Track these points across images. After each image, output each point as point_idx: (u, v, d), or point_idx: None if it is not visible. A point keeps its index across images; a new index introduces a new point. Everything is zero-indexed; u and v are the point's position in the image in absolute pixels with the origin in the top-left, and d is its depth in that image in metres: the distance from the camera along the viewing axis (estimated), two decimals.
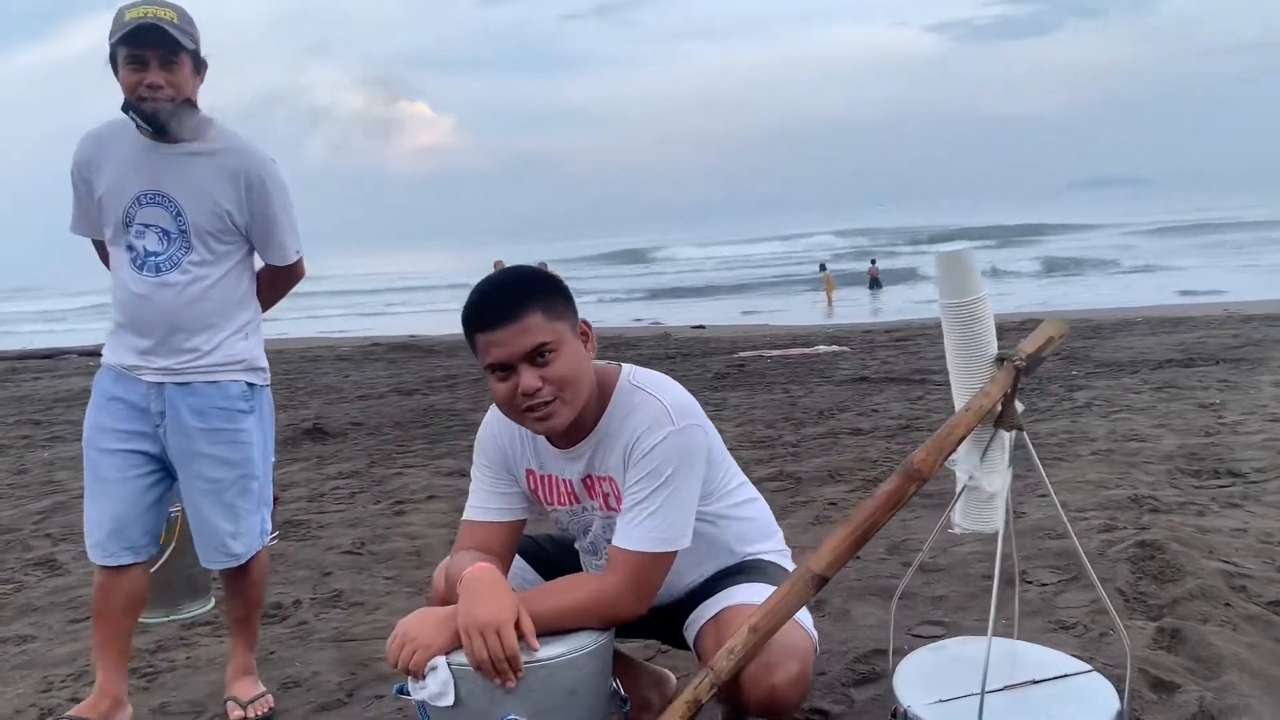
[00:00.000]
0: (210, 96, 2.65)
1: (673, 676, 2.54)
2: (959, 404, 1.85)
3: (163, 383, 2.63)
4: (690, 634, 2.08)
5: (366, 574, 4.08)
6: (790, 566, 2.21)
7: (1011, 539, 1.82)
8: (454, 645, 1.85)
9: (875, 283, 28.89)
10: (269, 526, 2.87)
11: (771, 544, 2.24)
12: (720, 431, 2.13)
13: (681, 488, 1.93)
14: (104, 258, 2.78)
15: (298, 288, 2.95)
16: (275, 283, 2.85)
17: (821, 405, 7.59)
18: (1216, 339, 10.45)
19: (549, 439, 2.06)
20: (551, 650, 1.87)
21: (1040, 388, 7.54)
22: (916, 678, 1.96)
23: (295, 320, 29.71)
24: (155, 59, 2.48)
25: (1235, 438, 5.22)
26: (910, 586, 2.86)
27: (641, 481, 1.93)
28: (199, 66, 2.59)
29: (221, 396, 2.66)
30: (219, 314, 2.66)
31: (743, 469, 2.26)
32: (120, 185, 2.61)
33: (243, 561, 2.77)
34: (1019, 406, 1.80)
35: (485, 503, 2.13)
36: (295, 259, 2.78)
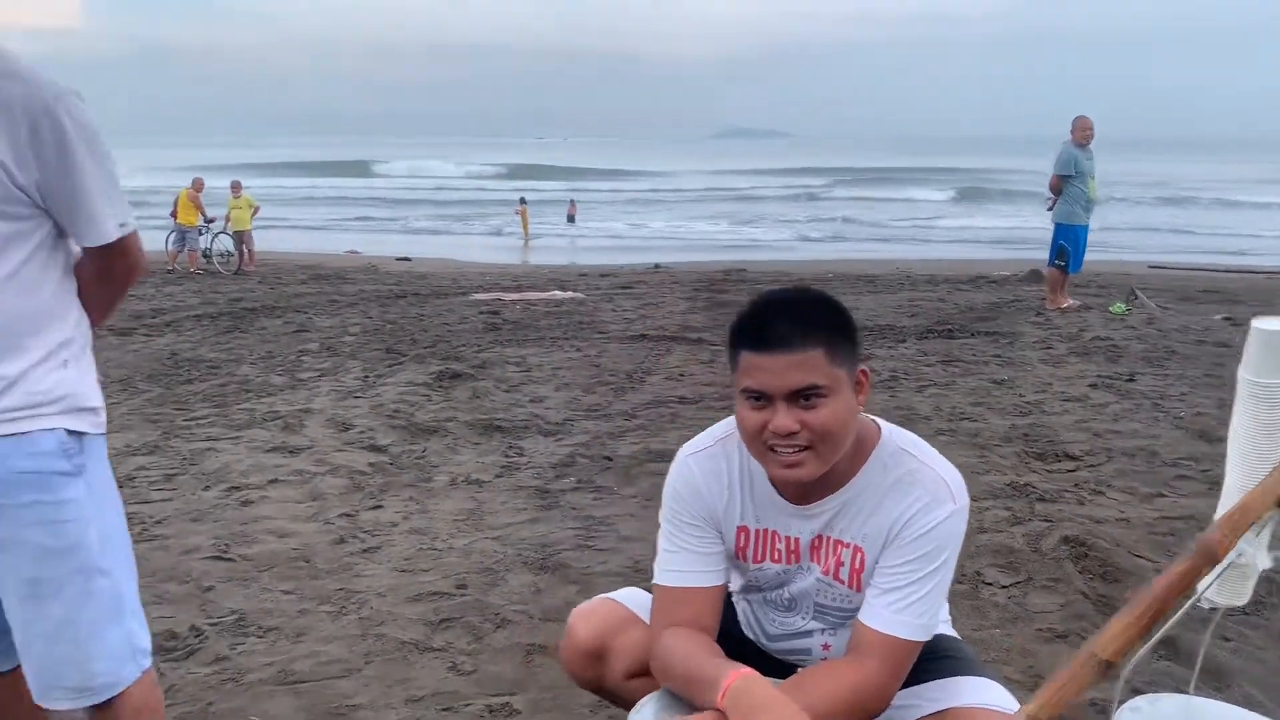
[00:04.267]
0: None
1: None
2: (1237, 477, 1.78)
3: None
4: None
5: (257, 587, 3.50)
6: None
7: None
8: None
9: (571, 219, 31.72)
10: (145, 644, 1.93)
11: (945, 610, 2.10)
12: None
13: (950, 571, 1.78)
14: None
15: None
16: (100, 277, 1.90)
17: (623, 367, 7.48)
18: (928, 301, 11.43)
19: (779, 491, 1.81)
20: None
21: None
22: None
23: None
24: None
25: (1049, 418, 5.69)
26: None
27: (915, 562, 1.73)
28: None
29: (26, 454, 1.76)
30: (16, 328, 1.77)
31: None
32: None
33: (102, 699, 1.86)
34: None
35: (691, 565, 1.85)
36: (117, 235, 1.84)
